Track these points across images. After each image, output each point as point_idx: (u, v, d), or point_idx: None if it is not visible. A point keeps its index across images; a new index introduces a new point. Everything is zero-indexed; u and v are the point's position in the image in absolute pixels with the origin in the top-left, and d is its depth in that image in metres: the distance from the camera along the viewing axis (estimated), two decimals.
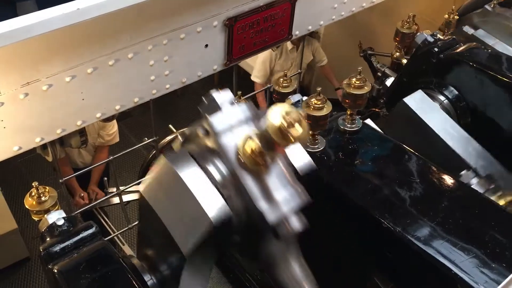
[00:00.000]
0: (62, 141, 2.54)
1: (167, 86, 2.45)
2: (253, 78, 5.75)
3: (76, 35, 1.97)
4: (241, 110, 1.34)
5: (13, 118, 2.00)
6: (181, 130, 1.62)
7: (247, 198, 1.27)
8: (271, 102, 2.94)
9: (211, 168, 1.33)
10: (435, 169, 1.90)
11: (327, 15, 3.02)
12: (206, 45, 2.48)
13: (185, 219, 1.33)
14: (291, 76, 2.66)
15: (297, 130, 1.11)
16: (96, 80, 2.15)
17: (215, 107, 1.34)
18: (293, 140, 1.10)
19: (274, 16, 2.68)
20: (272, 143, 1.15)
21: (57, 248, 1.55)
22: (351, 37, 6.01)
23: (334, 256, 2.01)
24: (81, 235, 1.59)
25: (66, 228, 1.64)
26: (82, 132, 2.71)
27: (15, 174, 5.88)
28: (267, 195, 1.28)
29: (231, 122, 1.31)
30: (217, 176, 1.32)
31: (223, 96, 1.36)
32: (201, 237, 1.29)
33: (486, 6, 3.07)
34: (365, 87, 1.96)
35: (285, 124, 1.10)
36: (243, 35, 2.59)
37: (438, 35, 2.71)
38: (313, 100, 1.84)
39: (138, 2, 1.93)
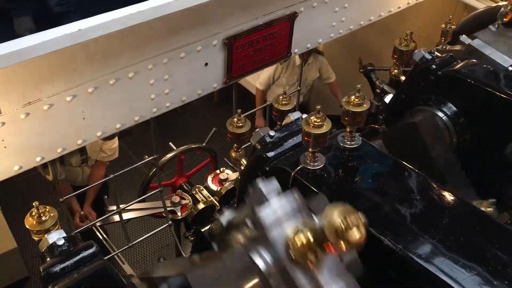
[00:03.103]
0: (62, 160, 2.53)
1: (168, 104, 2.46)
2: (256, 84, 5.96)
3: (77, 55, 1.99)
4: (288, 201, 1.38)
5: (14, 138, 2.01)
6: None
7: None
8: (270, 119, 2.96)
9: (257, 260, 1.36)
10: (435, 186, 1.90)
11: (325, 33, 3.05)
12: (206, 64, 2.50)
13: None
14: (290, 94, 2.67)
15: (355, 234, 1.08)
16: (97, 99, 2.16)
17: (261, 198, 1.39)
18: (349, 244, 1.08)
19: (273, 35, 2.70)
20: (325, 241, 1.14)
21: (57, 268, 1.55)
22: (349, 55, 6.04)
23: None
24: (81, 255, 1.58)
25: (66, 248, 1.64)
26: (82, 150, 2.70)
27: (15, 192, 5.86)
28: None
29: (279, 215, 1.34)
30: (264, 267, 1.35)
31: (269, 187, 1.41)
32: None
33: (490, 26, 3.03)
34: (364, 105, 1.96)
35: (343, 226, 1.08)
36: (243, 53, 2.61)
37: (436, 52, 2.73)
38: (313, 118, 1.85)
39: (138, 22, 1.96)
